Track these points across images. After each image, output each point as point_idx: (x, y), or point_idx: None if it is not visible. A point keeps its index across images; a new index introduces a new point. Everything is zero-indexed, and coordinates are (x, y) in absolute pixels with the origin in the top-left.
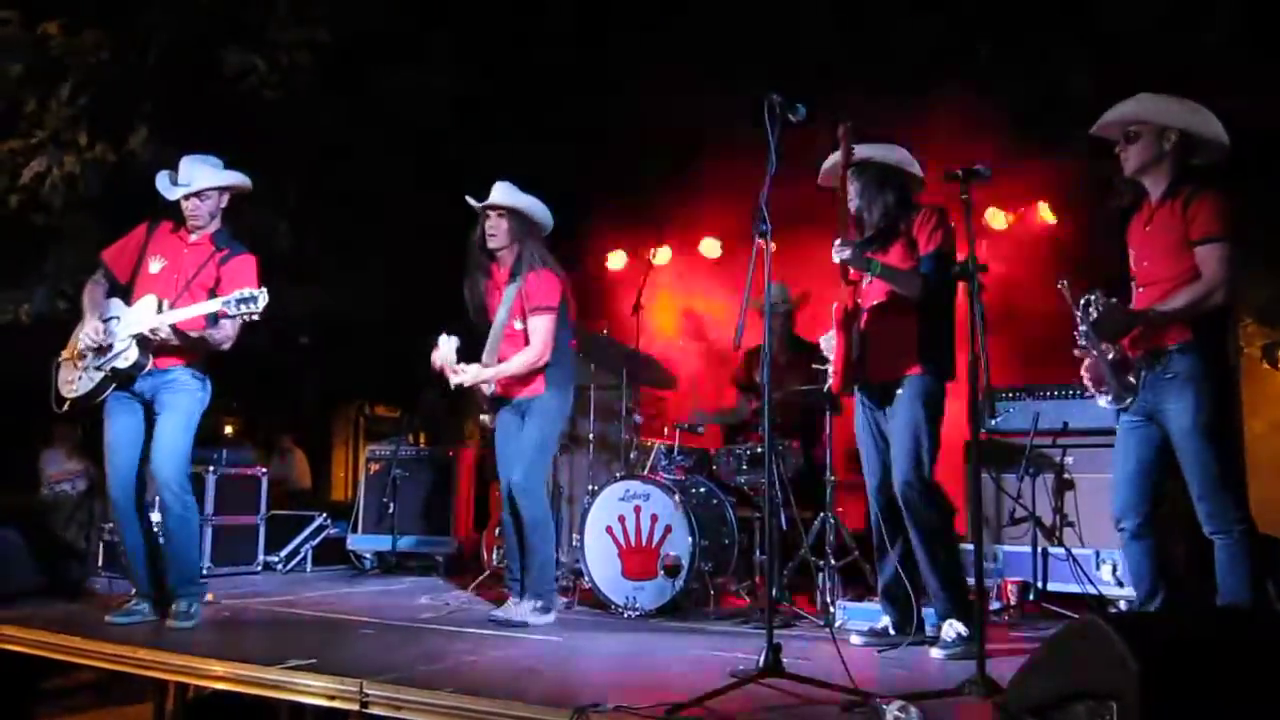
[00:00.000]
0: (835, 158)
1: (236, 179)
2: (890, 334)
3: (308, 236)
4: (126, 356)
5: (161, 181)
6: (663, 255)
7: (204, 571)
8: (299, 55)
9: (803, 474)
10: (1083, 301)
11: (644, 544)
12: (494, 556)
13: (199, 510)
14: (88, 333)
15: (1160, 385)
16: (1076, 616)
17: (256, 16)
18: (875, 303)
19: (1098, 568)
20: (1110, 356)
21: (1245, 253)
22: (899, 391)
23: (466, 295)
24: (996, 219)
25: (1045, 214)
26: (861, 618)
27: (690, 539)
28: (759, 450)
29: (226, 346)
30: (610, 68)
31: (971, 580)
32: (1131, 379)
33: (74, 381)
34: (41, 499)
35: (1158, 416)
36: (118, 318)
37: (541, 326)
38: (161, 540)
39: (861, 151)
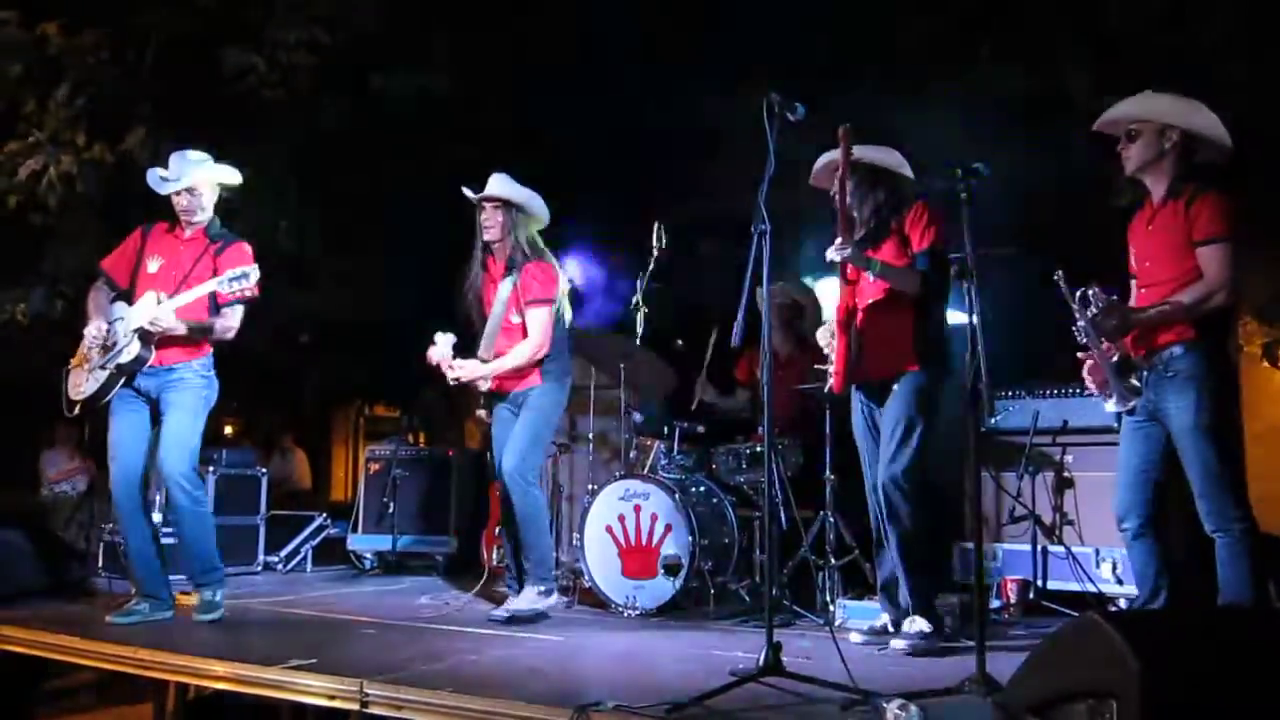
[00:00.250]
0: (828, 157)
1: (225, 172)
2: (887, 332)
3: (308, 236)
4: (129, 351)
5: (153, 178)
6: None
7: None
8: (298, 55)
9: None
10: (1079, 295)
11: (644, 543)
12: (494, 556)
13: None
14: (91, 333)
15: (1162, 384)
16: (1076, 615)
17: (256, 16)
18: (871, 301)
19: (1098, 566)
20: (1113, 359)
21: (1245, 252)
22: (895, 388)
23: (464, 287)
24: None
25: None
26: (861, 616)
27: (690, 538)
28: (759, 449)
29: (231, 336)
30: (610, 68)
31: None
32: (1135, 381)
33: (81, 384)
34: (41, 500)
35: (1159, 415)
36: (121, 318)
37: (538, 319)
38: (173, 539)
39: (860, 153)
